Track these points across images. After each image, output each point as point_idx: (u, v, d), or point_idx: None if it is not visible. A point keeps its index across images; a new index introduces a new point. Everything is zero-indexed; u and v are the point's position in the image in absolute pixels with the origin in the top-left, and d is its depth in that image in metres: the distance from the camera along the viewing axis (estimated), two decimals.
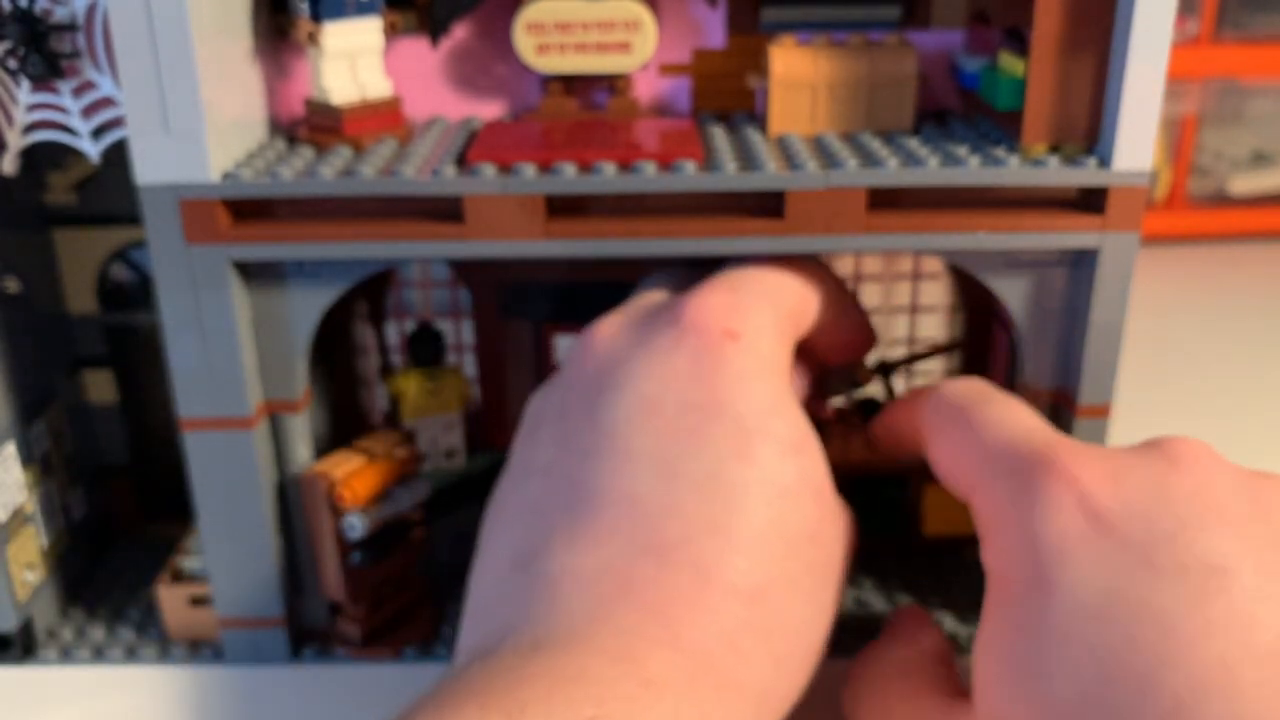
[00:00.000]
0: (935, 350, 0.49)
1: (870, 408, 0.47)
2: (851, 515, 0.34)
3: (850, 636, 0.40)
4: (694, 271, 0.37)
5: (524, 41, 0.40)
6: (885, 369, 0.47)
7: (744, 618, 0.30)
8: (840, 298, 0.38)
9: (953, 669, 0.35)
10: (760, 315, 0.34)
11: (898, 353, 0.52)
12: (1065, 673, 0.28)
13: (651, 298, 0.37)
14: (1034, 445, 0.31)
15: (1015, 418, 0.33)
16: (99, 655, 0.43)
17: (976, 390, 0.35)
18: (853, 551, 0.34)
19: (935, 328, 0.52)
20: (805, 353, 0.38)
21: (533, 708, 0.25)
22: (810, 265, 0.37)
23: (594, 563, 0.30)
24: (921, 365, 0.51)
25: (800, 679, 0.32)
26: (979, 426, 0.33)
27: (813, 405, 0.39)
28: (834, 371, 0.42)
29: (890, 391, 0.48)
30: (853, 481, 0.45)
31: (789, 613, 0.31)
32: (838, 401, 0.51)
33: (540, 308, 0.48)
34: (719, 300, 0.34)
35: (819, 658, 0.32)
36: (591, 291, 0.47)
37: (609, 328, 0.35)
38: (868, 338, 0.40)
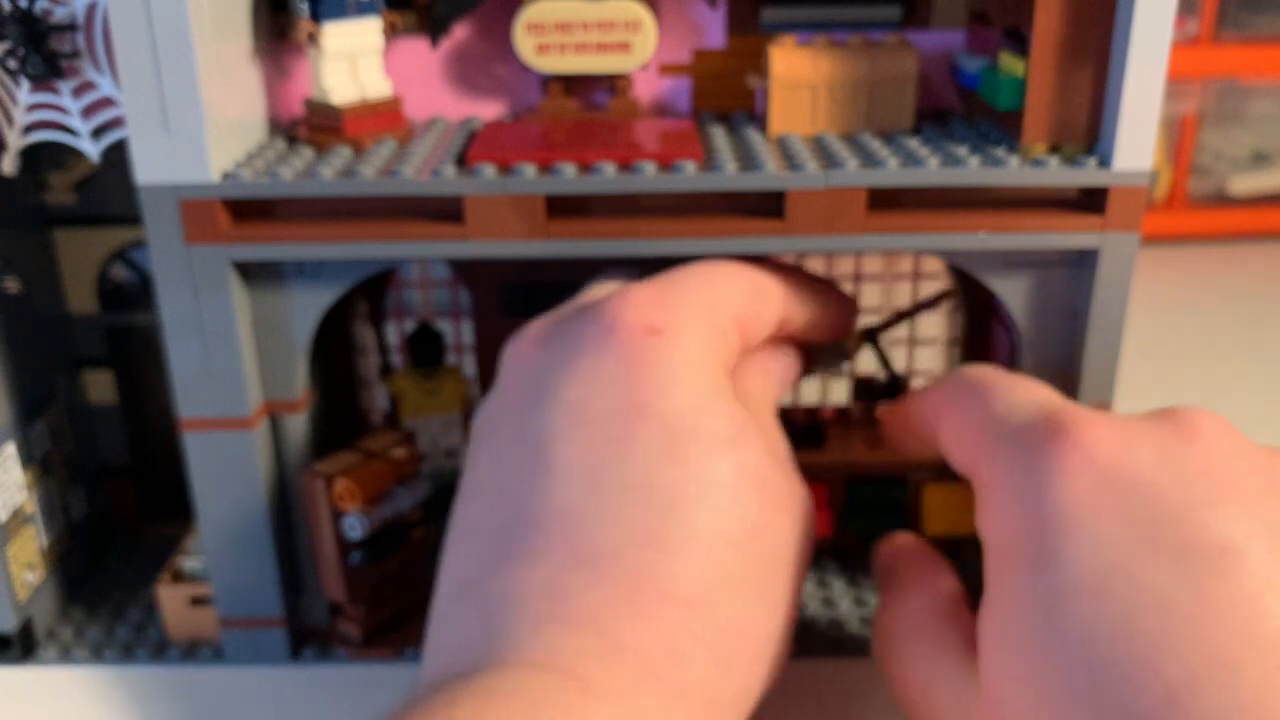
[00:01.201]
0: (919, 307, 0.48)
1: (894, 390, 0.47)
2: (809, 497, 0.33)
3: (850, 637, 0.40)
4: (645, 271, 0.36)
5: (524, 41, 0.40)
6: (871, 335, 0.46)
7: (683, 622, 0.29)
8: (805, 284, 0.37)
9: (969, 618, 0.34)
10: (687, 310, 0.33)
11: (898, 357, 0.52)
12: (1060, 656, 0.27)
13: (580, 299, 0.36)
14: (1045, 412, 0.30)
15: (1027, 389, 0.33)
16: (99, 655, 0.43)
17: (990, 370, 0.35)
18: (811, 534, 0.33)
19: (935, 328, 0.52)
20: (789, 338, 0.38)
21: None
22: (764, 263, 0.36)
23: (530, 581, 0.29)
24: (913, 340, 0.51)
25: (755, 677, 0.31)
26: (989, 398, 0.32)
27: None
28: (821, 348, 0.41)
29: (883, 357, 0.47)
30: (853, 481, 0.45)
31: (735, 612, 0.30)
32: (842, 396, 0.51)
33: (540, 308, 0.48)
34: (642, 297, 0.33)
35: (780, 652, 0.32)
36: None
37: (533, 333, 0.34)
38: (848, 313, 0.39)
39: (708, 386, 0.32)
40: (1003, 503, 0.30)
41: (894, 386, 0.47)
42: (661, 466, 0.30)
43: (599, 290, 0.36)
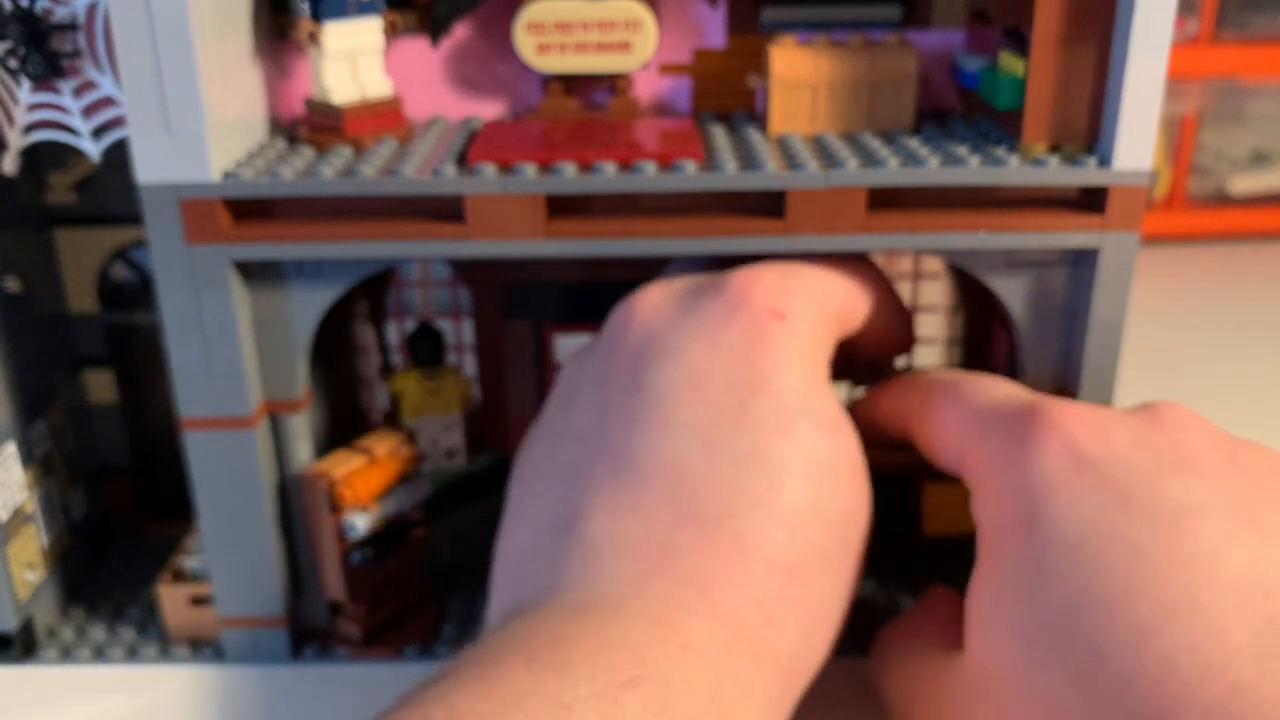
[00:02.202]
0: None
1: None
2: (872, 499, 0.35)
3: (850, 637, 0.40)
4: (719, 264, 0.38)
5: (524, 41, 0.40)
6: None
7: (780, 591, 0.30)
8: (889, 299, 0.38)
9: (958, 628, 0.35)
10: (806, 301, 0.35)
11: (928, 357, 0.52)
12: (1040, 601, 0.29)
13: (697, 276, 0.37)
14: (1024, 401, 0.33)
15: (1001, 385, 0.35)
16: (99, 655, 0.43)
17: (956, 372, 0.37)
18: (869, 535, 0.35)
19: (935, 328, 0.52)
20: (844, 343, 0.39)
21: (578, 666, 0.26)
22: (862, 265, 0.38)
23: (636, 531, 0.30)
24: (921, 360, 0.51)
25: (824, 653, 0.32)
26: (967, 395, 0.35)
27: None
28: (862, 362, 0.42)
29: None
30: None
31: (820, 588, 0.32)
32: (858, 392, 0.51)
33: (540, 308, 0.48)
34: (768, 278, 0.34)
35: (839, 634, 0.33)
36: (592, 291, 0.47)
37: (654, 296, 0.35)
38: (908, 340, 0.41)
39: (817, 374, 0.34)
40: (991, 486, 0.32)
41: None
42: (774, 439, 0.32)
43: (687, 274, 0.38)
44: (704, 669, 0.28)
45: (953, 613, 0.35)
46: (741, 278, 0.34)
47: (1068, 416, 0.31)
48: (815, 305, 0.35)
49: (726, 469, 0.31)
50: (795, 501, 0.31)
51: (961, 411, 0.34)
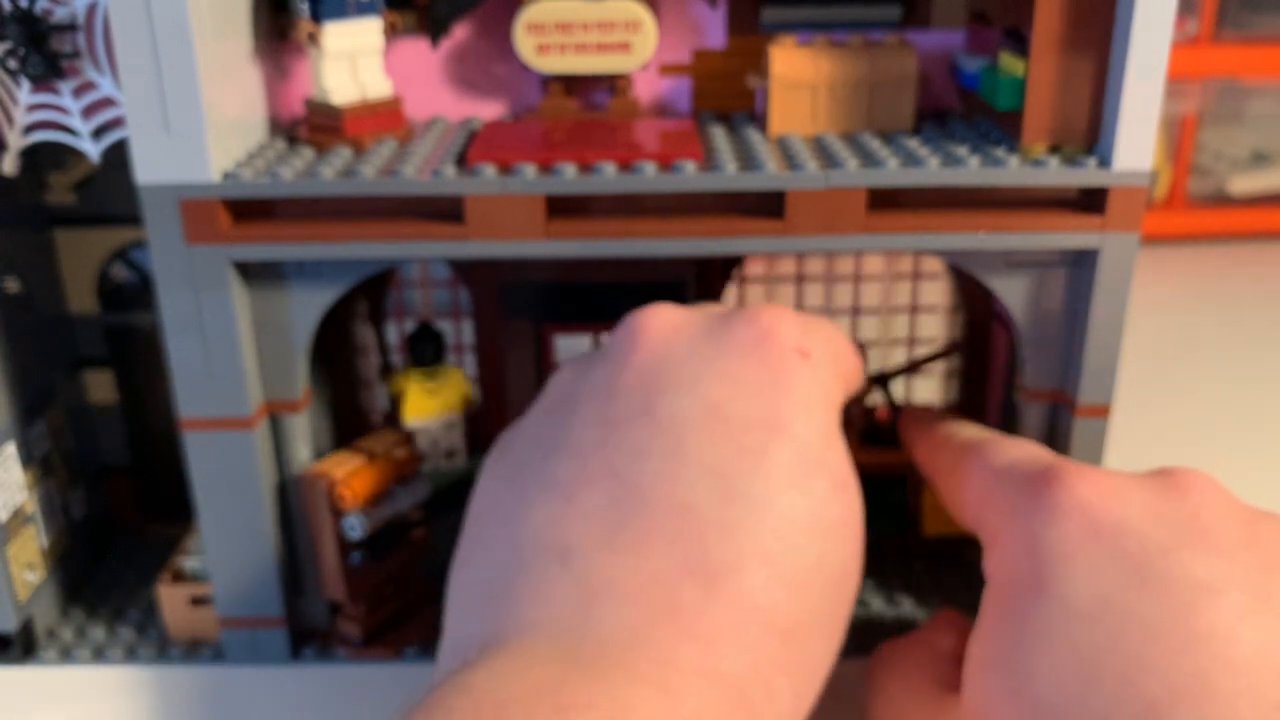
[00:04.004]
0: (931, 358, 0.50)
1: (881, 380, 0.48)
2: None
3: (851, 637, 0.39)
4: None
5: (524, 41, 0.40)
6: (883, 379, 0.48)
7: (778, 655, 0.29)
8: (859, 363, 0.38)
9: (955, 671, 0.35)
10: (828, 347, 0.34)
11: (898, 357, 0.52)
12: (1048, 670, 0.29)
13: (716, 306, 0.35)
14: (1042, 463, 0.33)
15: (1023, 446, 0.35)
16: (99, 655, 0.43)
17: (985, 432, 0.37)
18: None
19: (935, 328, 0.52)
20: None
21: None
22: (844, 335, 0.37)
23: (638, 573, 0.28)
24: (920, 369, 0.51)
25: (809, 710, 0.31)
26: (990, 456, 0.34)
27: None
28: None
29: (890, 400, 0.48)
30: None
31: (815, 650, 0.30)
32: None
33: (540, 308, 0.48)
34: (792, 318, 0.33)
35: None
36: (591, 291, 0.47)
37: (668, 316, 0.33)
38: (861, 372, 0.39)
39: (834, 423, 0.32)
40: (1003, 543, 0.32)
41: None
42: (788, 490, 0.30)
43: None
44: None
45: (955, 647, 0.35)
46: (768, 312, 0.33)
47: (1084, 481, 0.31)
48: (833, 357, 0.34)
49: (737, 517, 0.29)
50: (801, 561, 0.29)
51: (983, 471, 0.34)
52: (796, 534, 0.29)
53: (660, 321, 0.33)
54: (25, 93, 0.37)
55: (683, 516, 0.29)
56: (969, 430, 0.37)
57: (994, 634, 0.31)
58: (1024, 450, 0.34)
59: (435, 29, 0.41)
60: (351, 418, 0.48)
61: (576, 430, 0.32)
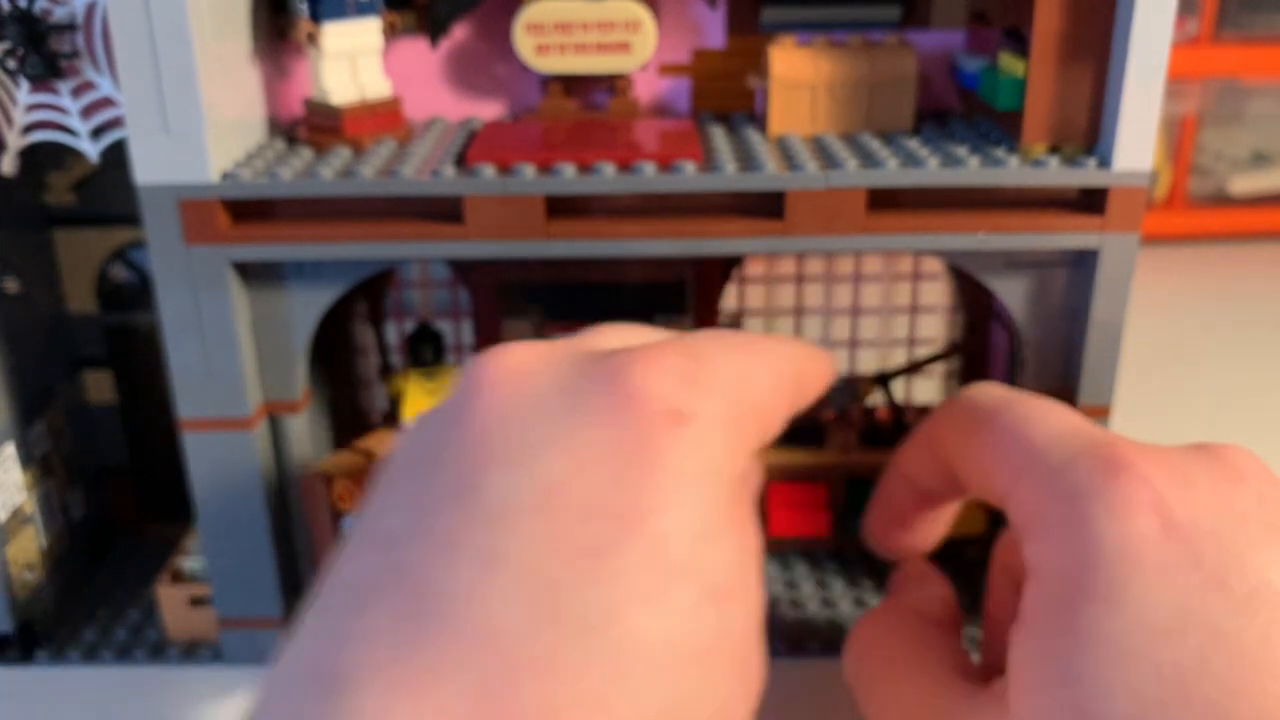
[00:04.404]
0: (932, 359, 0.50)
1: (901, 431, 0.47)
2: (764, 669, 0.27)
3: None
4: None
5: (524, 42, 0.40)
6: (884, 379, 0.47)
7: None
8: (808, 362, 0.32)
9: (958, 636, 0.34)
10: (719, 396, 0.27)
11: (898, 356, 0.52)
12: (1126, 690, 0.26)
13: (590, 339, 0.30)
14: (1090, 440, 0.29)
15: (1054, 413, 0.31)
16: (98, 656, 0.43)
17: (998, 392, 0.33)
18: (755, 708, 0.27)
19: (935, 328, 0.52)
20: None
21: None
22: (784, 344, 0.31)
23: (419, 714, 0.22)
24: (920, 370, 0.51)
25: None
26: (1016, 423, 0.31)
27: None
28: (831, 391, 0.41)
29: (892, 401, 0.48)
30: (852, 481, 0.45)
31: None
32: None
33: (540, 308, 0.48)
34: (670, 366, 0.26)
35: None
36: (591, 291, 0.47)
37: (519, 360, 0.27)
38: (828, 374, 0.34)
39: (718, 504, 0.26)
40: (1054, 537, 0.28)
41: (900, 428, 0.48)
42: (634, 609, 0.23)
43: (614, 334, 0.30)
44: None
45: (930, 603, 0.34)
46: (638, 363, 0.26)
47: (1145, 468, 0.28)
48: (730, 404, 0.27)
49: (563, 643, 0.22)
50: (646, 704, 0.23)
51: (1014, 441, 0.30)
52: (641, 668, 0.23)
53: (507, 367, 0.27)
54: (24, 93, 0.37)
55: (488, 641, 0.22)
56: (990, 390, 0.33)
57: (1051, 645, 0.28)
58: (1063, 419, 0.31)
59: (434, 29, 0.41)
60: (351, 418, 0.48)
61: (387, 515, 0.25)
